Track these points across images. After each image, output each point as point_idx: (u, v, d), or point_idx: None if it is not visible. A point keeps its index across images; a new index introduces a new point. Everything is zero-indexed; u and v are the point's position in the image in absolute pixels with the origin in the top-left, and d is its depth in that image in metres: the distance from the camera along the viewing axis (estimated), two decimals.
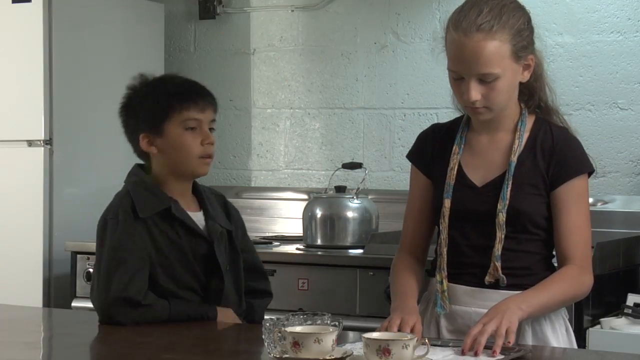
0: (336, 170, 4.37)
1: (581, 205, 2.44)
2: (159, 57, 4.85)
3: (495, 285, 2.39)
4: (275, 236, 4.44)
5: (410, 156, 2.59)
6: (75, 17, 4.42)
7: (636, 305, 3.44)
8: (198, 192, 2.75)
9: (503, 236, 2.38)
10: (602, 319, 3.41)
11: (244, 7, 4.95)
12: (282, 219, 4.69)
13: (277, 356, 2.02)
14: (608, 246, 3.59)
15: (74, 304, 4.11)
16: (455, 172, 2.44)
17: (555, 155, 2.41)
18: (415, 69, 4.52)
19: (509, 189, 2.38)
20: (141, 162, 2.73)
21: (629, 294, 3.52)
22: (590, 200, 4.05)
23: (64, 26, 4.34)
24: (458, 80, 2.35)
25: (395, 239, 3.76)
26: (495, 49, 2.30)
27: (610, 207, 4.07)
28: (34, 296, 4.21)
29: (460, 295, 2.42)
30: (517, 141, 2.41)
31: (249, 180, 4.91)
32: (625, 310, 3.43)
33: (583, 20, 4.22)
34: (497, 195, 2.39)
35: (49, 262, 4.26)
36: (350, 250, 3.91)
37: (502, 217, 2.37)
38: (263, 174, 4.89)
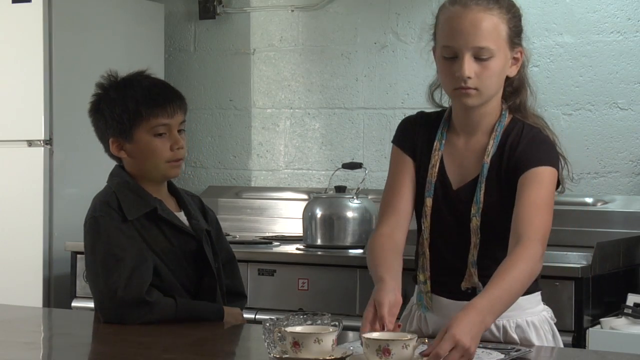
0: (336, 170, 4.37)
1: (540, 191, 2.26)
2: (159, 57, 4.86)
3: (472, 295, 2.25)
4: (275, 236, 4.43)
5: (397, 141, 2.48)
6: (75, 17, 4.42)
7: (636, 305, 3.44)
8: (176, 193, 2.76)
9: (478, 241, 2.31)
10: (602, 319, 3.41)
11: (244, 7, 4.95)
12: (282, 219, 4.69)
13: (277, 356, 2.02)
14: (608, 246, 3.59)
15: (74, 304, 4.11)
16: (436, 170, 2.39)
17: (519, 150, 2.31)
18: (415, 69, 4.52)
19: (482, 192, 2.32)
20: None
21: (629, 294, 3.52)
22: (590, 200, 4.10)
23: (64, 26, 4.34)
24: (450, 59, 2.30)
25: None
26: (494, 24, 2.27)
27: (610, 207, 4.07)
28: (34, 296, 4.21)
29: (438, 306, 2.37)
30: (491, 142, 2.35)
31: (249, 180, 4.91)
32: (625, 310, 3.43)
33: (583, 20, 4.22)
34: (470, 200, 2.33)
35: (49, 262, 4.27)
36: (350, 250, 3.91)
37: (476, 221, 2.31)
38: (263, 174, 4.89)
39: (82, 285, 4.08)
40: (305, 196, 4.52)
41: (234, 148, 4.96)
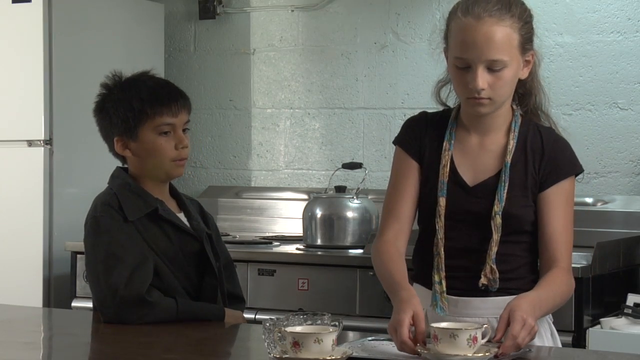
0: (336, 170, 4.37)
1: (568, 208, 2.39)
2: (159, 57, 4.86)
3: (482, 293, 2.35)
4: (275, 236, 4.44)
5: (400, 142, 2.49)
6: (75, 17, 4.42)
7: (636, 305, 3.44)
8: (176, 194, 2.76)
9: (499, 238, 2.34)
10: (602, 319, 3.41)
11: (244, 7, 4.95)
12: (282, 219, 4.69)
13: (277, 356, 2.02)
14: (608, 246, 3.59)
15: (74, 304, 4.11)
16: (447, 170, 2.40)
17: (546, 157, 2.39)
18: (415, 69, 4.52)
19: (505, 190, 2.35)
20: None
21: (629, 294, 3.52)
22: (590, 200, 4.10)
23: (64, 26, 4.34)
24: (463, 69, 2.31)
25: None
26: (506, 35, 2.28)
27: (610, 207, 4.07)
28: (34, 296, 4.21)
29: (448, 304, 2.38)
30: (512, 142, 2.39)
31: (249, 180, 4.91)
32: (625, 310, 3.43)
33: (583, 20, 4.22)
34: (489, 197, 2.36)
35: (49, 262, 4.26)
36: (350, 250, 3.91)
37: (498, 219, 2.34)
38: (263, 174, 4.89)
39: (82, 285, 4.08)
40: (305, 196, 4.52)
41: (234, 148, 4.96)
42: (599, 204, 4.10)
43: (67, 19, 4.36)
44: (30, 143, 4.30)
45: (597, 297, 3.45)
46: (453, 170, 2.41)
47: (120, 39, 4.64)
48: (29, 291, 4.22)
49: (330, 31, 4.75)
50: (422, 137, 2.47)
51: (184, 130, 2.67)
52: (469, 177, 2.41)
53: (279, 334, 2.04)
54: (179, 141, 2.64)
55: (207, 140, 5.01)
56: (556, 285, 2.32)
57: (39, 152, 4.28)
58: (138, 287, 2.51)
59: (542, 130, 2.43)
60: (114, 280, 2.52)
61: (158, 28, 4.88)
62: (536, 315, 2.17)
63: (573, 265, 3.36)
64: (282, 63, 4.86)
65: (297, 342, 1.99)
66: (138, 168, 2.67)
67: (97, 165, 4.35)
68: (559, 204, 2.37)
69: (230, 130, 4.97)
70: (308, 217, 4.04)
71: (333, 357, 1.99)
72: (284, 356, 2.01)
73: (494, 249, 2.34)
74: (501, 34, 2.28)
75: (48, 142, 4.29)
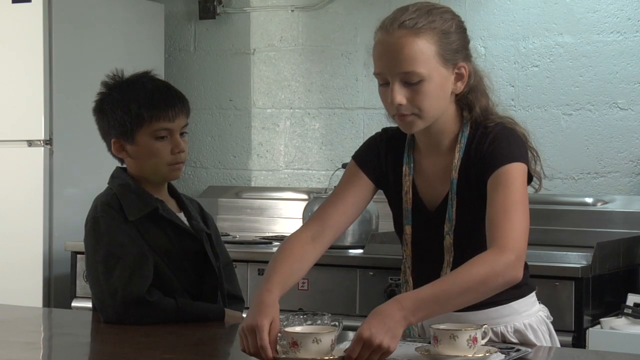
0: (336, 170, 4.37)
1: (509, 191, 2.15)
2: (159, 57, 4.86)
3: (471, 307, 2.18)
4: (275, 236, 4.43)
5: (359, 159, 2.41)
6: (75, 17, 4.42)
7: (636, 305, 3.44)
8: (176, 194, 2.77)
9: (451, 259, 2.25)
10: (602, 319, 3.41)
11: (244, 7, 4.95)
12: (282, 219, 4.69)
13: (277, 356, 2.02)
14: (608, 246, 3.59)
15: (74, 304, 4.12)
16: (410, 196, 2.32)
17: (483, 151, 2.23)
18: None
19: (454, 208, 2.25)
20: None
21: (629, 294, 3.53)
22: (590, 200, 4.10)
23: (64, 26, 4.35)
24: (384, 86, 2.21)
25: (395, 239, 3.76)
26: (419, 47, 2.16)
27: (610, 207, 4.07)
28: (34, 296, 4.21)
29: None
30: (457, 154, 2.26)
31: (249, 180, 4.91)
32: (625, 310, 3.44)
33: (583, 20, 4.22)
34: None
35: (49, 262, 4.27)
36: (350, 250, 3.91)
37: (449, 239, 2.25)
38: (263, 174, 4.89)
39: (82, 285, 4.08)
40: (305, 196, 4.53)
41: (234, 148, 4.96)
42: (599, 204, 4.10)
43: (67, 19, 4.37)
44: (30, 143, 4.30)
45: (597, 297, 3.45)
46: (415, 196, 2.33)
47: (120, 39, 4.64)
48: (29, 291, 4.22)
49: (330, 31, 4.75)
50: (382, 159, 2.39)
51: (182, 134, 2.66)
52: (429, 200, 2.32)
53: (279, 334, 2.04)
54: (175, 145, 2.64)
55: (207, 140, 5.01)
56: (457, 274, 2.08)
57: (39, 152, 4.28)
58: (138, 287, 2.52)
59: (488, 128, 2.27)
60: (114, 280, 2.52)
61: (158, 28, 4.89)
62: (395, 326, 2.01)
63: (573, 265, 3.39)
64: (282, 63, 4.86)
65: (296, 342, 1.99)
66: (135, 169, 2.68)
67: (97, 165, 4.35)
68: (495, 188, 2.18)
69: (230, 130, 4.97)
70: (308, 217, 4.03)
71: (332, 357, 1.99)
72: (282, 356, 2.01)
73: (446, 270, 2.24)
74: (412, 45, 2.16)
75: (48, 142, 4.29)
